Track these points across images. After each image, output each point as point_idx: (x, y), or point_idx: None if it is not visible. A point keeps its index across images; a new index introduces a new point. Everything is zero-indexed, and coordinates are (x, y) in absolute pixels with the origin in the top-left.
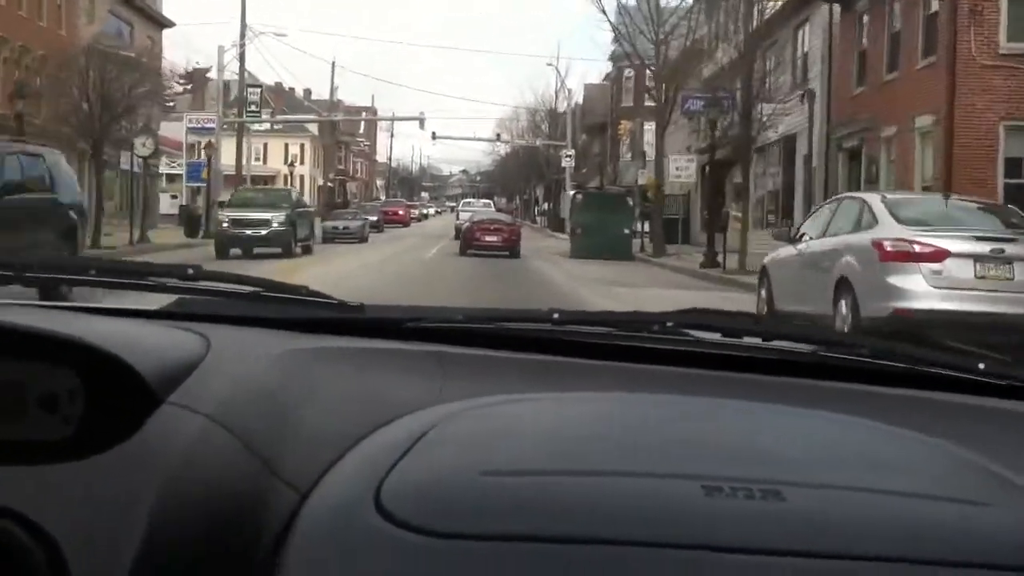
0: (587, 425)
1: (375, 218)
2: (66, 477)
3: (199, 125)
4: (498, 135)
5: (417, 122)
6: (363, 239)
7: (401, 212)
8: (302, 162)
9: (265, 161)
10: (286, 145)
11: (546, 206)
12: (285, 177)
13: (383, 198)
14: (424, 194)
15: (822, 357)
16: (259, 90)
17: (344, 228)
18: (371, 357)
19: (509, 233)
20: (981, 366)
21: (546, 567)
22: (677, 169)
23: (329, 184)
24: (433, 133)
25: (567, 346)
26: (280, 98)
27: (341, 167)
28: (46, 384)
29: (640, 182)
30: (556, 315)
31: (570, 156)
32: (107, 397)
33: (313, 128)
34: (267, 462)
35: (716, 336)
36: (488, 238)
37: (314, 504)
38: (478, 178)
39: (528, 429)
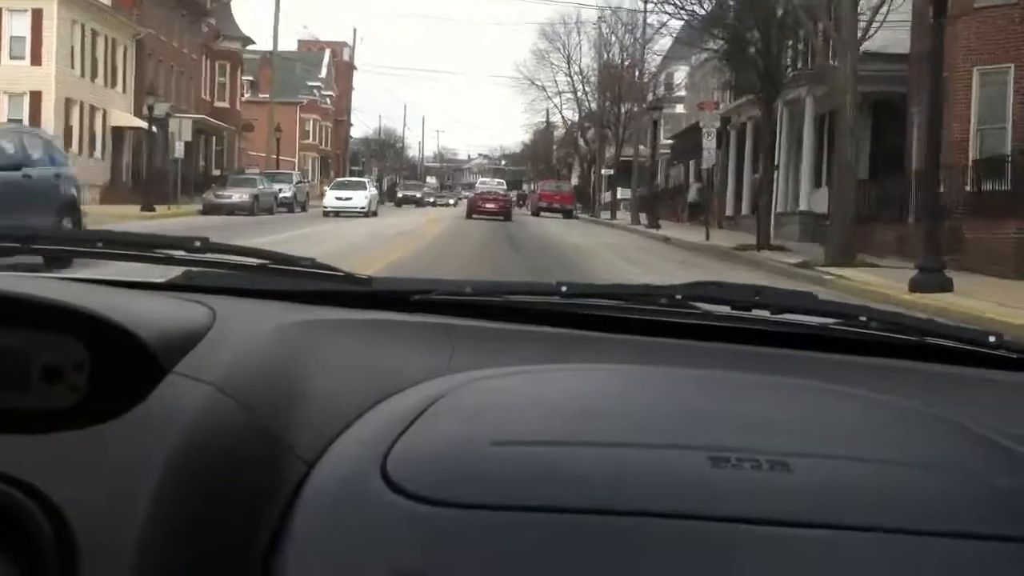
0: (595, 396)
1: None
2: (72, 446)
3: None
4: None
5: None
6: None
7: None
8: (36, 61)
9: None
10: None
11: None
12: None
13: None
14: (431, 179)
15: (831, 330)
16: None
17: None
18: (378, 329)
19: (504, 203)
20: (991, 339)
21: (553, 537)
22: None
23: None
24: None
25: (576, 318)
26: None
27: (223, 104)
28: (52, 354)
29: None
30: (564, 288)
31: None
32: (113, 367)
33: None
34: (273, 432)
35: (725, 309)
36: (488, 205)
37: (320, 474)
38: (502, 162)
39: (536, 400)
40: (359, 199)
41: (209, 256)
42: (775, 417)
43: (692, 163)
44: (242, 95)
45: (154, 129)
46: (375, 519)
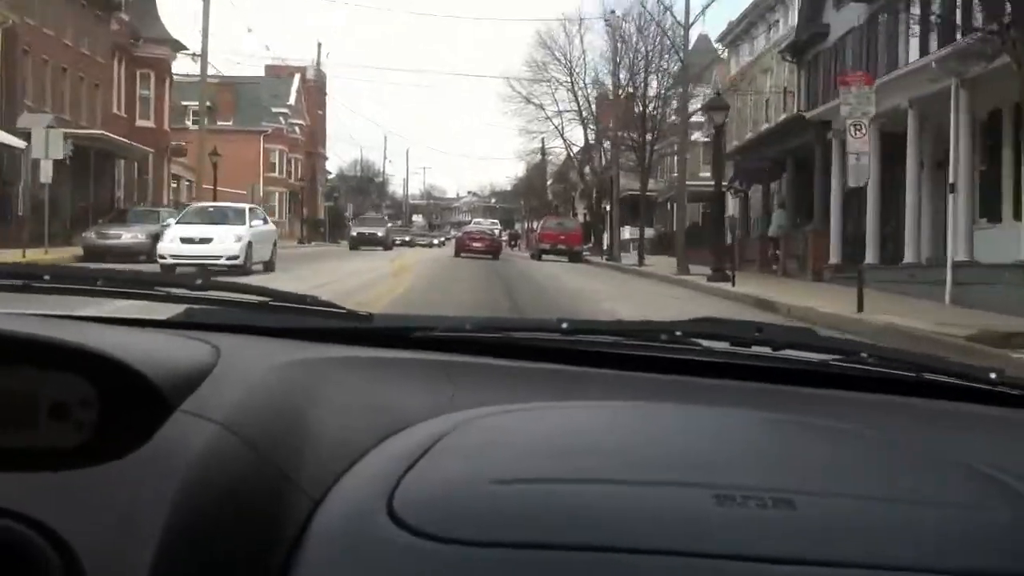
0: (597, 434)
1: None
2: (81, 484)
3: None
4: None
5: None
6: None
7: None
8: None
9: None
10: None
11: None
12: None
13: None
14: (418, 217)
15: (831, 366)
16: None
17: None
18: (380, 366)
19: (491, 242)
20: (992, 375)
21: (556, 574)
22: None
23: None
24: None
25: (576, 355)
26: None
27: (147, 123)
28: (60, 393)
29: None
30: (565, 324)
31: None
32: (120, 405)
33: None
34: (280, 469)
35: (725, 345)
36: (475, 244)
37: (327, 511)
38: (493, 200)
39: (538, 438)
40: (224, 242)
41: (210, 294)
42: (778, 454)
43: (760, 188)
44: (180, 118)
45: (24, 145)
46: (382, 556)
